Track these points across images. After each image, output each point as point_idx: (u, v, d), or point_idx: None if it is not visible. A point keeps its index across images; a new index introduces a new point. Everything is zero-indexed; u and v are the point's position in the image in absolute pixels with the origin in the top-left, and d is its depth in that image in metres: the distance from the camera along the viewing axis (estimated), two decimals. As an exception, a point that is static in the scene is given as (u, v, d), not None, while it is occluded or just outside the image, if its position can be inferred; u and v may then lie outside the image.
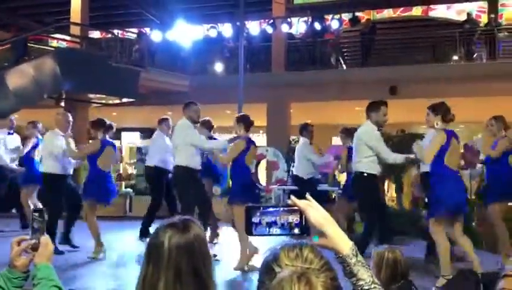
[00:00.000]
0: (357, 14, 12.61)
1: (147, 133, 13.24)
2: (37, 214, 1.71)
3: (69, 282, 4.42)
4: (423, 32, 14.29)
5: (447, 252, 4.36)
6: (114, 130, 6.28)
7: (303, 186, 6.95)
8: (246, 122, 5.50)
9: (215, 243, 6.72)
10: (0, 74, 10.06)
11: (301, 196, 1.20)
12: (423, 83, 10.93)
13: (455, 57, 12.64)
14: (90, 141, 6.49)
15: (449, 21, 13.92)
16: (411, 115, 13.86)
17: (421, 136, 11.30)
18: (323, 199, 7.45)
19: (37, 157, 7.10)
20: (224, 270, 5.03)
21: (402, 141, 10.19)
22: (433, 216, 4.60)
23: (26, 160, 7.24)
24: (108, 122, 6.09)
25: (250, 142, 5.47)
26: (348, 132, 6.74)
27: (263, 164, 10.56)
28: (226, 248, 6.48)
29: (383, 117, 5.33)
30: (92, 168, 5.90)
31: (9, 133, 7.41)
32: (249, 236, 1.21)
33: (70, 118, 6.25)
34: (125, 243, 6.88)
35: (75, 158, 6.13)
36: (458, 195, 4.54)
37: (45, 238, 1.66)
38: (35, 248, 1.64)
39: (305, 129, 7.18)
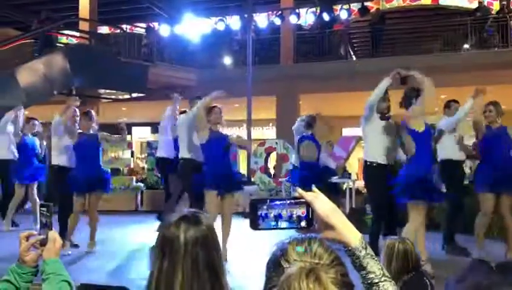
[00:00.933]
0: (366, 4, 12.49)
1: (157, 127, 13.28)
2: (44, 209, 1.71)
3: (78, 276, 4.46)
4: (433, 21, 14.10)
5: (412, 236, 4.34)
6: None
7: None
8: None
9: None
10: (11, 71, 10.14)
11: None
12: (434, 73, 10.75)
13: (466, 46, 12.47)
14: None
15: (460, 9, 13.71)
16: (422, 105, 13.76)
17: (431, 127, 11.22)
18: (333, 191, 7.42)
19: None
20: (232, 262, 5.05)
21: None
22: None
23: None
24: None
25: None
26: None
27: (273, 157, 10.53)
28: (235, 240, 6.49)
29: (382, 104, 5.26)
30: None
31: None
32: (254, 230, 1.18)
33: (77, 113, 6.27)
34: (137, 237, 6.91)
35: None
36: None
37: (53, 232, 1.66)
38: (43, 243, 1.64)
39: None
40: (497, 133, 5.30)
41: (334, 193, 7.40)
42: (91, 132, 6.04)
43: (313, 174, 6.16)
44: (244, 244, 6.20)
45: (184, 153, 5.95)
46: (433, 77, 11.46)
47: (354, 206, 7.84)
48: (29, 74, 10.19)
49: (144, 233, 7.08)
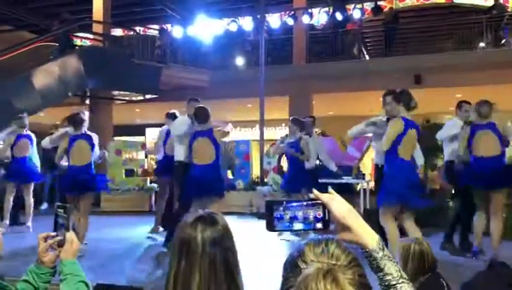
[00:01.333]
0: (379, 3, 12.39)
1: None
2: (61, 210, 1.72)
3: (95, 276, 4.49)
4: (448, 20, 13.94)
5: (396, 239, 4.33)
6: None
7: None
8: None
9: None
10: (27, 73, 10.28)
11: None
12: (449, 72, 10.69)
13: (482, 44, 12.30)
14: None
15: (475, 7, 13.54)
16: (436, 104, 13.59)
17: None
18: (347, 191, 7.39)
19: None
20: (247, 263, 5.05)
21: (427, 131, 10.03)
22: (380, 205, 4.63)
23: None
24: None
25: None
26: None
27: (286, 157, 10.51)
28: (249, 241, 6.49)
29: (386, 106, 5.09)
30: None
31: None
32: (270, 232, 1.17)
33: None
34: (151, 238, 6.95)
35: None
36: (406, 186, 4.47)
37: (70, 234, 1.68)
38: (61, 244, 1.66)
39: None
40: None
41: (348, 193, 7.37)
42: None
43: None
44: (258, 245, 6.20)
45: (180, 156, 5.93)
46: (448, 76, 11.40)
47: (368, 206, 7.78)
48: (44, 76, 10.32)
49: (158, 234, 7.12)
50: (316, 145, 7.17)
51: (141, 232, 7.46)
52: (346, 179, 7.95)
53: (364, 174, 8.46)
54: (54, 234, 1.72)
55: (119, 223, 7.54)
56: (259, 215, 8.66)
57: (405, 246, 2.59)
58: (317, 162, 7.49)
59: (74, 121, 5.97)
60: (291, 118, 7.13)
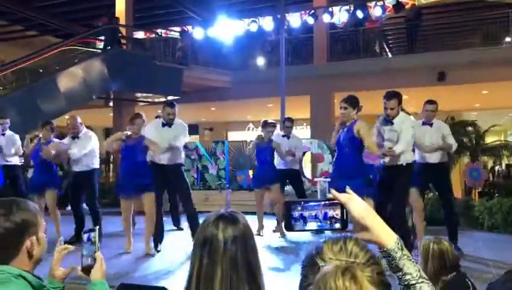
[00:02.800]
0: (401, -1, 12.23)
1: (192, 129, 13.45)
2: (94, 233, 1.72)
3: (120, 277, 4.56)
4: (472, 15, 13.67)
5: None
6: None
7: None
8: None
9: (261, 235, 6.81)
10: (52, 76, 10.52)
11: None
12: (474, 68, 10.48)
13: (508, 39, 12.02)
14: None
15: (500, 1, 13.24)
16: (461, 101, 13.33)
17: (471, 124, 10.90)
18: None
19: None
20: (268, 262, 5.05)
21: (452, 129, 9.85)
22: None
23: None
24: None
25: None
26: None
27: (307, 157, 10.47)
28: (269, 240, 6.50)
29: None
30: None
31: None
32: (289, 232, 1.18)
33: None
34: (173, 238, 7.01)
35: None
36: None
37: (99, 254, 1.69)
38: (90, 267, 1.67)
39: None
40: None
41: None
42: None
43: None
44: (278, 243, 6.20)
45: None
46: (473, 72, 11.17)
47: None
48: (69, 79, 10.54)
49: (176, 234, 7.18)
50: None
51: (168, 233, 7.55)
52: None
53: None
54: (72, 247, 1.79)
55: (139, 223, 7.66)
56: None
57: (424, 245, 2.57)
58: None
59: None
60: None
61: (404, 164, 4.93)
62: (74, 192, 6.75)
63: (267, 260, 5.12)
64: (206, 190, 10.16)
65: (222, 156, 10.42)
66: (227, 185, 10.20)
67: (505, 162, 13.07)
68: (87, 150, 6.52)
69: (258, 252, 1.42)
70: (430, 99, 5.75)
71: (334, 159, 5.25)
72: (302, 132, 14.86)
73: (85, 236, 1.73)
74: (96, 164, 6.77)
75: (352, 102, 4.98)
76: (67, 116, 11.08)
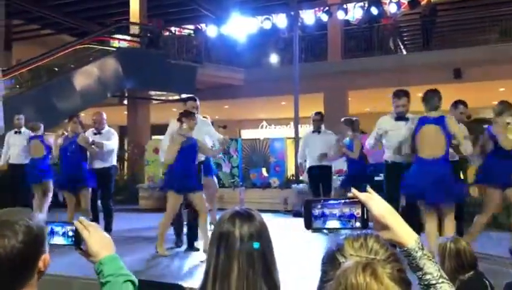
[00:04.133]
0: (416, -5, 12.10)
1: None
2: (68, 227, 1.41)
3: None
4: (488, 11, 13.45)
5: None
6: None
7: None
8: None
9: None
10: (68, 75, 10.63)
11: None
12: (491, 65, 10.32)
13: (526, 35, 11.82)
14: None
15: (518, -3, 13.01)
16: (478, 99, 13.12)
17: (488, 121, 10.71)
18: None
19: None
20: (283, 259, 5.04)
21: (469, 127, 9.71)
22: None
23: None
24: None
25: None
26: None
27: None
28: (285, 238, 6.49)
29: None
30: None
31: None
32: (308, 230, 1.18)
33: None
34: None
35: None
36: (417, 182, 4.42)
37: (77, 223, 1.38)
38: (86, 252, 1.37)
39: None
40: None
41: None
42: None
43: None
44: (294, 242, 6.18)
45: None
46: (490, 69, 11.00)
47: (404, 203, 7.62)
48: (84, 78, 10.64)
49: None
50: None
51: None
52: (382, 177, 7.80)
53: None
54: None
55: (156, 220, 7.71)
56: (294, 213, 8.63)
57: (441, 245, 2.59)
58: None
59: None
60: (343, 119, 7.09)
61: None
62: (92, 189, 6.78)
63: (283, 256, 5.11)
64: (220, 187, 10.17)
65: (235, 154, 10.43)
66: (241, 183, 10.21)
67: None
68: (115, 145, 6.63)
69: (273, 248, 1.42)
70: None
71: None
72: (315, 130, 14.81)
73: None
74: (114, 161, 6.81)
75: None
76: (83, 114, 11.22)
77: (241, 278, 1.33)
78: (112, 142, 6.62)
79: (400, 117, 5.15)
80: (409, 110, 5.36)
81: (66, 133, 6.53)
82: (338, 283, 0.95)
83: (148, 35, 12.20)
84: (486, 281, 2.53)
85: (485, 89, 11.74)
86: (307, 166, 7.22)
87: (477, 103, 13.42)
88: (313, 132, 7.23)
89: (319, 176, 7.06)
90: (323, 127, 7.27)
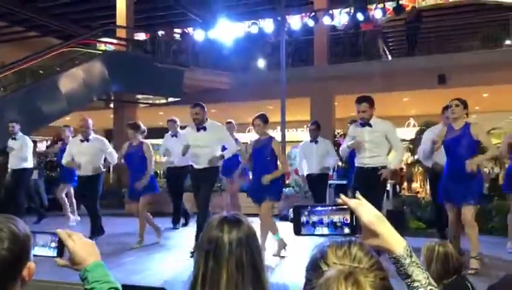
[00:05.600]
0: (401, 2, 12.24)
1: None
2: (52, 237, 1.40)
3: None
4: (473, 18, 13.69)
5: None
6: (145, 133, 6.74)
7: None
8: (267, 121, 5.86)
9: None
10: (53, 78, 10.52)
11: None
12: (474, 71, 10.48)
13: (508, 42, 12.04)
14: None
15: (501, 4, 13.25)
16: (461, 104, 13.31)
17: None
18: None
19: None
20: (270, 264, 5.06)
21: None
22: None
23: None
24: (142, 126, 6.65)
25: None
26: None
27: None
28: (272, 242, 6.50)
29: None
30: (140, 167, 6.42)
31: None
32: (297, 236, 1.18)
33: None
34: (179, 238, 7.00)
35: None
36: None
37: (60, 232, 1.38)
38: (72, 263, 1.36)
39: None
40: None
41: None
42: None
43: None
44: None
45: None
46: (474, 75, 11.17)
47: (391, 208, 7.70)
48: (70, 81, 10.54)
49: (184, 234, 7.18)
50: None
51: (163, 232, 7.56)
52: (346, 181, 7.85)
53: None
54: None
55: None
56: (281, 217, 8.65)
57: (429, 247, 2.54)
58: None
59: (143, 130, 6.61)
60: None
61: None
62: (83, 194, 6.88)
63: (271, 261, 5.13)
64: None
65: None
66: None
67: (505, 165, 13.03)
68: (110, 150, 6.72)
69: (261, 253, 1.42)
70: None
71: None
72: (302, 134, 14.89)
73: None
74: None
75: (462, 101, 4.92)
76: (68, 118, 11.10)
77: (231, 285, 1.32)
78: (112, 150, 6.76)
79: (362, 123, 5.31)
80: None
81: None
82: None
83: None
84: (469, 284, 2.56)
85: (468, 94, 11.89)
86: (305, 174, 7.35)
87: (460, 108, 13.63)
88: (311, 141, 7.32)
89: (317, 182, 7.22)
90: (320, 136, 7.39)
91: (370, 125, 5.24)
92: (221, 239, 1.37)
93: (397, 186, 9.67)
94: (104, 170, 6.85)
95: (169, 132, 7.98)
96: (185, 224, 8.14)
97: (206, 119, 6.01)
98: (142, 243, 6.37)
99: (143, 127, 6.62)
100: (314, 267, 1.04)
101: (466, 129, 4.75)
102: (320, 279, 0.97)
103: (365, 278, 0.95)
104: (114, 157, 6.70)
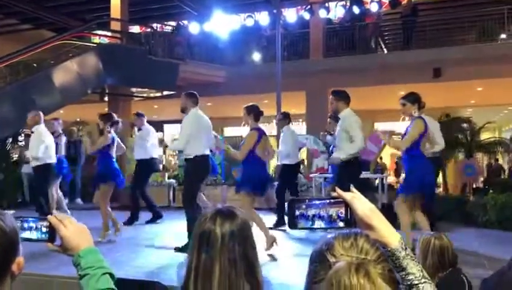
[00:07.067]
0: (397, -5, 12.22)
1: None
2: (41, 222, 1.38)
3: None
4: (467, 11, 13.68)
5: (408, 227, 4.87)
6: (120, 125, 6.82)
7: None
8: (255, 112, 5.79)
9: None
10: (47, 71, 10.44)
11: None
12: (469, 64, 10.49)
13: (503, 36, 12.05)
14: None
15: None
16: (456, 98, 13.35)
17: (466, 120, 10.95)
18: (365, 186, 7.36)
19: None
20: (266, 257, 5.06)
21: (447, 125, 9.87)
22: (402, 194, 4.95)
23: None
24: (115, 117, 6.71)
25: (261, 133, 5.70)
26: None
27: (303, 152, 10.48)
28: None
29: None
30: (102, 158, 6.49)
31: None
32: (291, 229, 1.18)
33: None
34: (171, 233, 7.00)
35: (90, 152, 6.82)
36: (428, 177, 4.91)
37: (52, 217, 1.34)
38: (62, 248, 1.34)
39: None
40: None
41: (367, 189, 7.36)
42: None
43: None
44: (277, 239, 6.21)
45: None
46: (469, 69, 11.19)
47: (386, 201, 7.72)
48: (63, 74, 10.46)
49: (177, 228, 7.17)
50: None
51: (160, 226, 7.55)
52: (364, 174, 7.88)
53: (382, 169, 8.38)
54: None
55: (140, 218, 7.68)
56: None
57: (425, 240, 2.54)
58: None
59: (115, 121, 6.66)
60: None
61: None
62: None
63: (265, 253, 5.13)
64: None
65: (218, 152, 10.40)
66: (223, 181, 10.19)
67: (499, 158, 13.12)
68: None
69: (256, 246, 1.41)
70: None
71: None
72: (297, 128, 14.89)
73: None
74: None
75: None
76: (61, 111, 11.03)
77: (223, 279, 1.31)
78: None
79: (331, 116, 5.58)
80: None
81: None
82: (330, 283, 0.94)
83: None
84: (464, 277, 2.56)
85: (463, 88, 11.94)
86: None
87: (455, 102, 13.68)
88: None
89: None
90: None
91: (337, 119, 5.66)
92: (213, 232, 1.36)
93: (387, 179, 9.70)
94: None
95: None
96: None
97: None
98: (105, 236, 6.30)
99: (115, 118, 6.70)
100: (321, 259, 1.04)
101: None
102: (330, 271, 0.98)
103: (374, 269, 0.96)
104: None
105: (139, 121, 8.01)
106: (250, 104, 5.93)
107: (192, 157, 5.74)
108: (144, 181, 7.93)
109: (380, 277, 0.96)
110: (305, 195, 8.90)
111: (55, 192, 7.99)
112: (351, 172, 5.32)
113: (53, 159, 7.36)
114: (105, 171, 6.39)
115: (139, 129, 8.05)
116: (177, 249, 5.49)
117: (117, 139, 6.71)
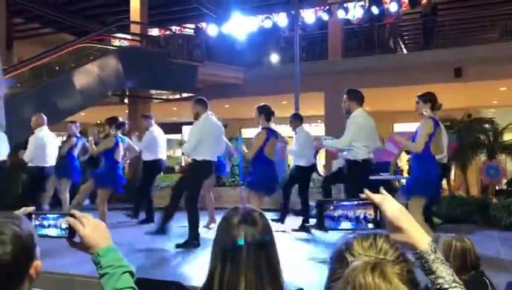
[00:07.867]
0: (417, -6, 12.08)
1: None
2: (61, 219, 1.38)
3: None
4: (489, 10, 13.43)
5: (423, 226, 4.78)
6: (126, 127, 7.03)
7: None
8: (266, 112, 5.82)
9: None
10: (68, 74, 10.61)
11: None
12: (491, 64, 10.30)
13: (526, 34, 11.79)
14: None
15: (519, -4, 12.96)
16: (478, 98, 13.11)
17: (489, 121, 10.76)
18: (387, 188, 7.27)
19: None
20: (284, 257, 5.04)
21: (468, 126, 9.71)
22: (411, 195, 4.83)
23: (69, 156, 7.92)
24: (121, 119, 6.86)
25: (270, 133, 5.76)
26: None
27: (322, 153, 10.43)
28: (287, 237, 6.48)
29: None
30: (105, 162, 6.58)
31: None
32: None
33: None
34: (171, 233, 6.97)
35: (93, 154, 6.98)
36: (436, 180, 4.93)
37: (71, 219, 1.33)
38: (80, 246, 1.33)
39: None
40: None
41: (388, 190, 7.27)
42: None
43: None
44: (296, 240, 6.19)
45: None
46: (491, 69, 10.99)
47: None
48: (84, 77, 10.62)
49: (175, 230, 7.19)
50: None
51: (176, 227, 7.60)
52: (384, 176, 7.80)
53: (402, 171, 8.28)
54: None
55: (156, 219, 7.73)
56: (295, 212, 8.62)
57: (446, 243, 2.51)
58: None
59: (120, 123, 6.79)
60: None
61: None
62: None
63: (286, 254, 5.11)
64: (220, 186, 10.18)
65: (236, 153, 10.42)
66: (241, 182, 10.19)
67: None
68: None
69: (277, 248, 1.40)
70: None
71: None
72: (316, 129, 14.83)
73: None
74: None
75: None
76: (83, 113, 11.21)
77: (249, 287, 1.30)
78: None
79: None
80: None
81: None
82: (346, 282, 0.95)
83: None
84: (487, 280, 2.52)
85: (485, 88, 11.73)
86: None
87: (477, 102, 13.43)
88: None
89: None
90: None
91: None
92: (238, 243, 1.34)
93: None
94: None
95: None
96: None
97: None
98: None
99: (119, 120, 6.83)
100: (340, 258, 1.05)
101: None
102: (346, 270, 0.98)
103: (392, 270, 0.96)
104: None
105: (147, 122, 8.16)
106: (262, 104, 5.99)
107: (198, 160, 5.88)
108: (150, 182, 8.05)
109: (398, 278, 0.95)
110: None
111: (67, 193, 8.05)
112: (354, 173, 5.27)
113: (47, 163, 7.29)
114: (104, 175, 6.49)
115: (147, 130, 8.21)
116: (178, 246, 5.66)
117: (127, 142, 6.78)
